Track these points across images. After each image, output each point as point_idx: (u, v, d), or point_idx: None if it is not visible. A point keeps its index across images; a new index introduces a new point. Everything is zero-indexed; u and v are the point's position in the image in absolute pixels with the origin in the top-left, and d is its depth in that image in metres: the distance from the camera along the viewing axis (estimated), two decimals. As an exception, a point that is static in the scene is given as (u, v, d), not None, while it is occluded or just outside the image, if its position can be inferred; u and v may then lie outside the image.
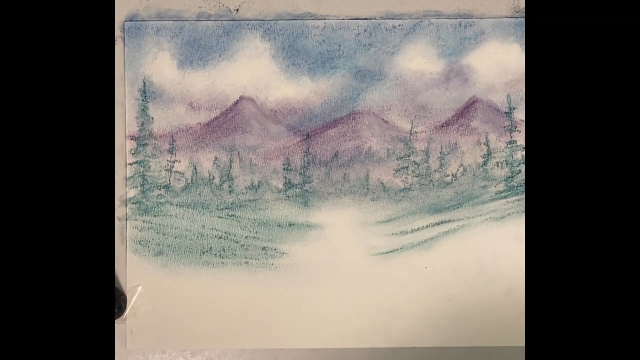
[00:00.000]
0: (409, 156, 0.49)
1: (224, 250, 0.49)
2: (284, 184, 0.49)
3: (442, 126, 0.50)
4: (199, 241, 0.49)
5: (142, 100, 0.49)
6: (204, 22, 0.49)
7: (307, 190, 0.49)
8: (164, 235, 0.49)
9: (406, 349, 0.48)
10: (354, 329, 0.48)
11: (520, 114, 0.49)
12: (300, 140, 0.49)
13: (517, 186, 0.49)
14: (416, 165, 0.49)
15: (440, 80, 0.49)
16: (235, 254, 0.49)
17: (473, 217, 0.49)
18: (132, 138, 0.49)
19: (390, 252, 0.49)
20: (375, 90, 0.49)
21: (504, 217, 0.49)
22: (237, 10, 0.49)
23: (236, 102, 0.49)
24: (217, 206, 0.49)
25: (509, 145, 0.49)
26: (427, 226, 0.49)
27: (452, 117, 0.50)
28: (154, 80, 0.49)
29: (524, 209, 0.49)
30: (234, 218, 0.49)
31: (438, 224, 0.49)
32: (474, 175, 0.49)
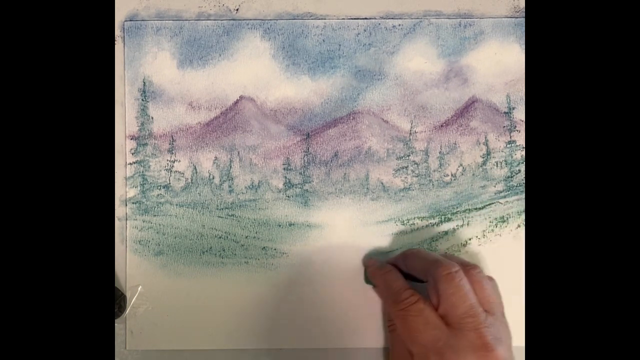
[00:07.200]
0: (408, 156, 0.49)
1: (224, 250, 0.49)
2: (284, 184, 0.49)
3: (442, 126, 0.50)
4: (199, 241, 0.49)
5: (142, 100, 0.49)
6: (203, 21, 0.49)
7: (307, 190, 0.49)
8: (164, 235, 0.49)
9: (406, 349, 0.48)
10: (354, 329, 0.48)
11: (519, 114, 0.49)
12: (300, 140, 0.49)
13: (516, 186, 0.49)
14: (416, 165, 0.49)
15: (440, 80, 0.49)
16: (235, 254, 0.49)
17: (473, 217, 0.49)
18: (132, 138, 0.49)
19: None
20: (375, 90, 0.49)
21: (503, 217, 0.49)
22: (237, 9, 0.49)
23: (236, 102, 0.49)
24: (217, 206, 0.49)
25: (508, 145, 0.49)
26: (426, 226, 0.49)
27: (452, 117, 0.50)
28: (154, 80, 0.49)
29: (523, 209, 0.49)
30: (234, 218, 0.49)
31: (438, 224, 0.49)
32: (473, 175, 0.49)
